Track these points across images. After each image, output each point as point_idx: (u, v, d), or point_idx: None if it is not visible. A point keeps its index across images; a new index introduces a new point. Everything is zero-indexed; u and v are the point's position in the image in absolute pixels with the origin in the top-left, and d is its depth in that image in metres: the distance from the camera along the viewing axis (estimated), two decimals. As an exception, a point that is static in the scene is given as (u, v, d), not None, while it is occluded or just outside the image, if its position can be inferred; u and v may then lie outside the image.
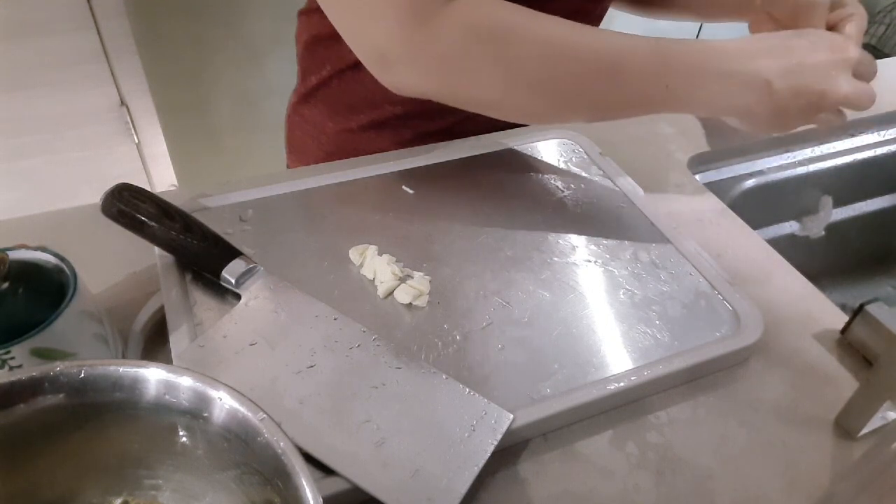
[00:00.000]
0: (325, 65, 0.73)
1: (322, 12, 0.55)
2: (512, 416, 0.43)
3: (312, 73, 0.76)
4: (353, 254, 0.54)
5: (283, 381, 0.44)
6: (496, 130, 0.71)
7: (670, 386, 0.49)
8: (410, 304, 0.51)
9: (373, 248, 0.54)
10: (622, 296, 0.54)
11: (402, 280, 0.52)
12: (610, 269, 0.56)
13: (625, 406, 0.48)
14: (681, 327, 0.51)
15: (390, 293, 0.52)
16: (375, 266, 0.53)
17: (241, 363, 0.44)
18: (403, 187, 0.62)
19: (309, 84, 0.77)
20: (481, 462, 0.41)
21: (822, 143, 0.83)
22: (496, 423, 0.42)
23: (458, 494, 0.39)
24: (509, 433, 0.44)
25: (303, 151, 0.81)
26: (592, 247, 0.58)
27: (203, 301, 0.50)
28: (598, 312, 0.52)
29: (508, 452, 0.45)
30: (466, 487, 0.40)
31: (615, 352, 0.49)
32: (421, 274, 0.53)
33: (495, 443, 0.42)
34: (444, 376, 0.45)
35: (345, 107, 0.74)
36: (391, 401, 0.43)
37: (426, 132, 0.73)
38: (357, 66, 0.68)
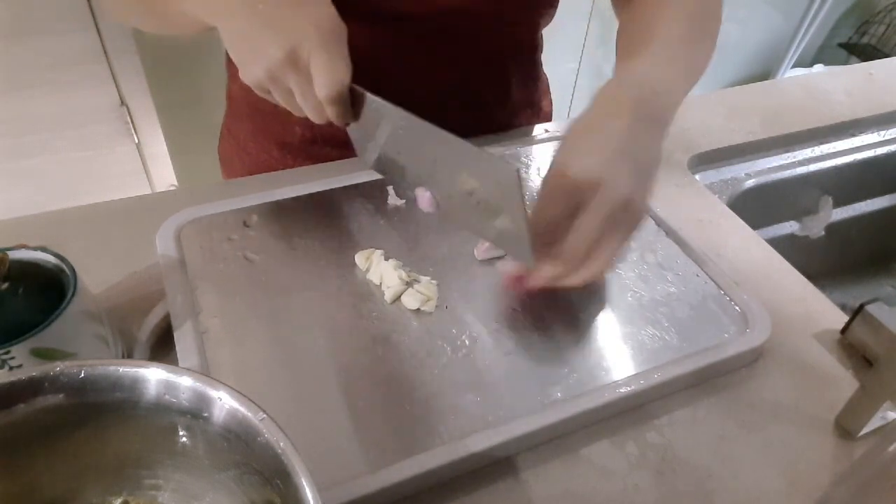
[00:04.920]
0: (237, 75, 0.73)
1: None
2: (516, 168, 0.43)
3: (232, 81, 0.75)
4: (359, 258, 0.54)
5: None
6: None
7: (680, 388, 0.49)
8: (418, 309, 0.51)
9: (379, 253, 0.54)
10: (630, 298, 0.53)
11: (409, 284, 0.52)
12: (617, 271, 0.56)
13: (627, 407, 0.48)
14: (689, 329, 0.51)
15: (397, 298, 0.51)
16: (382, 271, 0.52)
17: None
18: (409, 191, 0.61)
19: (231, 94, 0.76)
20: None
21: (822, 143, 0.83)
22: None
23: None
24: (521, 438, 0.43)
25: (231, 165, 0.81)
26: (593, 247, 0.58)
27: (209, 309, 0.50)
28: (606, 315, 0.52)
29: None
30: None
31: (625, 355, 0.49)
32: (428, 278, 0.53)
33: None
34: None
35: (262, 124, 0.74)
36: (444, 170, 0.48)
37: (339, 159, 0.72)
38: None
